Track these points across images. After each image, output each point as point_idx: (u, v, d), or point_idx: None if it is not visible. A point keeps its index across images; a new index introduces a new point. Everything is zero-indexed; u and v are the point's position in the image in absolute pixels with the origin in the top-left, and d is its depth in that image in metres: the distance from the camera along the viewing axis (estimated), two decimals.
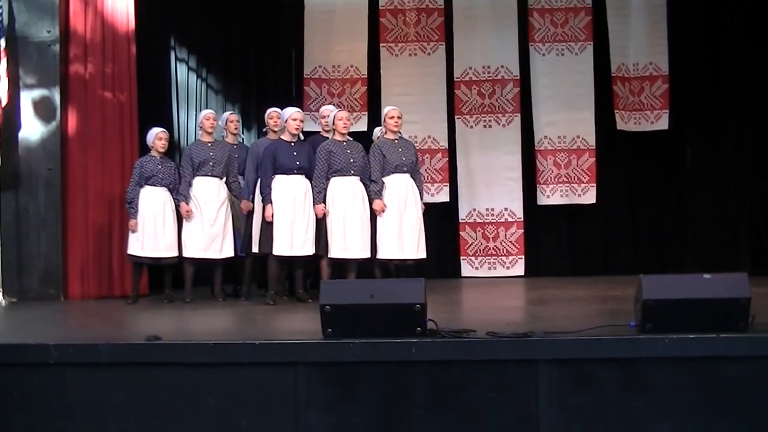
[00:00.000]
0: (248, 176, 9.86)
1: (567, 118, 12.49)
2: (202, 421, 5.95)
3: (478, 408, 5.82)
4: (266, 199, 9.26)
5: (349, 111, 11.58)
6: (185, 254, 9.74)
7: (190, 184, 9.75)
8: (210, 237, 9.70)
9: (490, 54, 12.62)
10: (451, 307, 8.83)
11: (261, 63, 12.96)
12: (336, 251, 9.27)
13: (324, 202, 9.28)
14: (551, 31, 12.61)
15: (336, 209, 9.29)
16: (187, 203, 9.70)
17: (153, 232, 9.66)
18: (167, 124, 11.64)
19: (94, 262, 10.46)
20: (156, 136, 9.89)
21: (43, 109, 10.40)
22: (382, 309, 5.97)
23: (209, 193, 9.75)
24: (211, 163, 9.78)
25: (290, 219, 9.19)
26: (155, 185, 9.76)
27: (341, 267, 9.49)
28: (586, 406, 5.78)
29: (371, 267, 9.50)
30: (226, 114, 10.48)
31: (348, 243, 9.27)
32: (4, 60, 10.10)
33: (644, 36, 12.48)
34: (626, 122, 12.46)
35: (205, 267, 9.95)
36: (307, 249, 9.24)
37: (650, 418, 5.78)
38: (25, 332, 7.83)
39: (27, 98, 10.40)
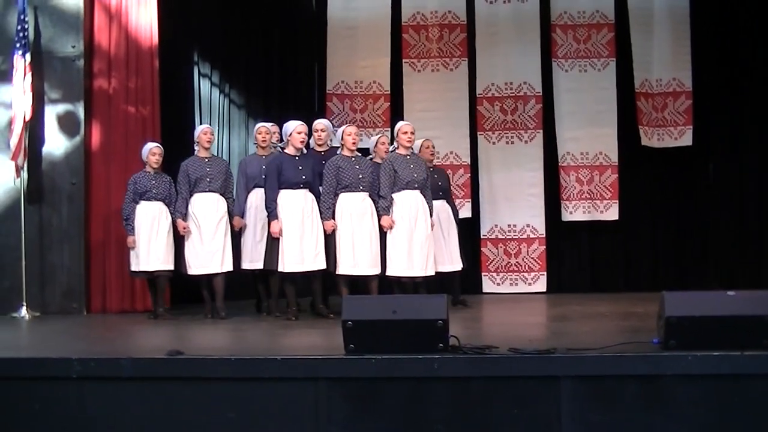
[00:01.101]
0: (239, 193, 9.86)
1: (589, 135, 12.46)
2: None
3: (500, 425, 5.80)
4: (272, 215, 9.18)
5: (371, 127, 11.63)
6: (189, 272, 9.65)
7: (186, 201, 9.67)
8: (210, 252, 9.60)
9: (513, 70, 12.61)
10: (473, 323, 8.82)
11: (283, 78, 12.98)
12: (345, 268, 9.18)
13: (333, 218, 9.22)
14: (574, 47, 12.59)
15: (344, 225, 9.21)
16: (184, 220, 9.62)
17: (147, 247, 9.61)
18: (190, 138, 11.66)
19: (116, 276, 10.47)
20: (150, 151, 9.81)
21: (67, 123, 10.47)
22: (405, 325, 5.96)
23: (207, 210, 9.64)
24: (208, 179, 9.67)
25: (299, 234, 9.10)
26: (150, 200, 9.70)
27: (357, 284, 9.43)
28: (608, 423, 5.75)
29: (388, 284, 9.44)
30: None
31: (357, 259, 9.18)
32: (29, 75, 10.16)
33: (668, 52, 12.45)
34: (650, 138, 12.42)
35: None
36: (319, 263, 9.16)
37: None
38: (47, 346, 7.87)
39: (51, 113, 10.47)
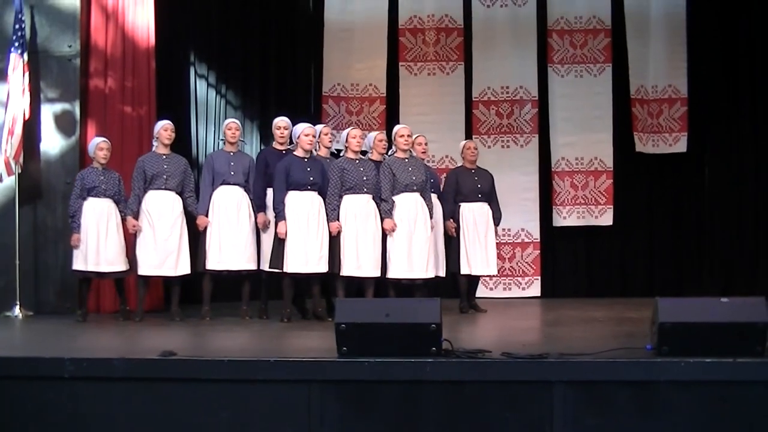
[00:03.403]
0: (204, 190, 9.57)
1: (585, 140, 12.52)
2: None
3: (492, 429, 5.79)
4: (280, 216, 9.15)
5: (367, 129, 11.62)
6: (139, 272, 9.43)
7: (139, 198, 9.43)
8: (165, 253, 9.38)
9: (509, 74, 12.65)
10: (466, 327, 8.81)
11: (280, 80, 12.98)
12: (349, 269, 9.18)
13: (338, 220, 9.22)
14: (570, 53, 12.65)
15: (349, 227, 9.21)
16: (135, 218, 9.41)
17: (95, 245, 9.36)
18: (186, 138, 11.66)
19: None
20: (97, 146, 9.58)
21: (63, 122, 10.46)
22: (398, 328, 5.95)
23: (162, 208, 9.43)
24: (165, 176, 9.43)
25: (304, 236, 9.09)
26: (98, 197, 9.44)
27: (355, 286, 9.43)
28: (601, 428, 5.74)
29: (385, 286, 9.45)
30: (320, 127, 9.93)
31: (361, 261, 9.20)
32: (26, 74, 10.15)
33: (663, 58, 12.50)
34: (645, 144, 12.47)
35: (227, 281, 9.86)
36: (322, 266, 9.15)
37: None
38: (40, 346, 7.86)
39: (48, 112, 10.47)
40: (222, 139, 9.86)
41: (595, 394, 5.77)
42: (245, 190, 9.59)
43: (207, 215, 9.48)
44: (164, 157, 9.57)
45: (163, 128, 9.61)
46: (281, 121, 9.75)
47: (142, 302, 9.65)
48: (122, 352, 6.48)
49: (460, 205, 10.10)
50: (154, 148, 9.67)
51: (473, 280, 10.41)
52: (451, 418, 5.82)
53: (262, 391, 5.93)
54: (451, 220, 10.05)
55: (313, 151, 9.45)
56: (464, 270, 10.03)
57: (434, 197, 9.97)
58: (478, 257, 10.04)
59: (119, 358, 6.13)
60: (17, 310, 10.05)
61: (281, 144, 9.71)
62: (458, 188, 10.13)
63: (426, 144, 10.33)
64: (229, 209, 9.47)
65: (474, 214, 10.06)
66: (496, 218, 10.26)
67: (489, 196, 10.25)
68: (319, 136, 9.56)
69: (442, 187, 10.28)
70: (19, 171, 10.15)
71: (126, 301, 9.84)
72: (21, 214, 10.25)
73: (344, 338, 5.98)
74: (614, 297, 12.10)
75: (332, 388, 5.89)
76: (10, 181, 10.22)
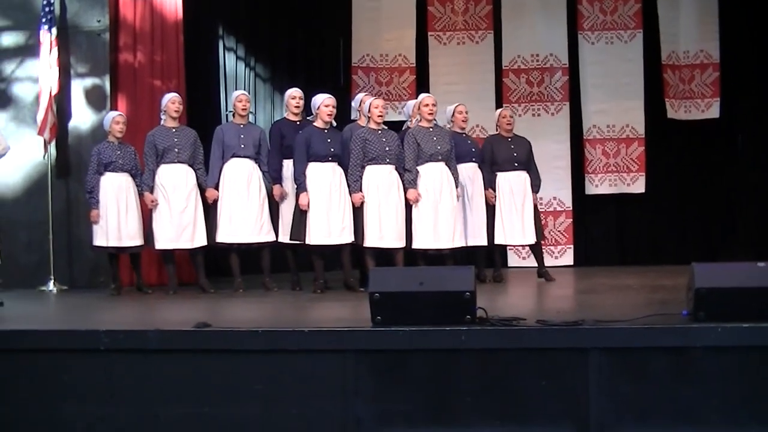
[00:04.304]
0: (213, 163, 9.53)
1: (616, 107, 12.44)
2: (251, 408, 5.94)
3: (527, 396, 5.78)
4: (301, 187, 9.10)
5: (397, 100, 11.60)
6: (157, 246, 9.47)
7: (153, 173, 9.44)
8: (180, 226, 9.40)
9: (539, 42, 12.58)
10: (499, 295, 8.80)
11: (309, 51, 12.98)
12: (372, 240, 9.13)
13: (360, 191, 9.16)
14: (600, 19, 12.55)
15: (371, 198, 9.14)
16: (151, 192, 9.43)
17: (116, 221, 9.39)
18: (216, 112, 11.67)
19: (143, 251, 10.46)
20: (113, 120, 9.55)
21: (93, 97, 10.52)
22: (432, 296, 5.94)
23: (176, 181, 9.44)
24: (176, 150, 9.42)
25: (326, 207, 9.05)
26: (116, 171, 9.44)
27: (384, 257, 9.37)
28: (636, 394, 5.72)
29: (413, 257, 9.41)
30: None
31: (384, 232, 9.13)
32: (54, 50, 10.19)
33: (695, 23, 12.38)
34: (676, 111, 12.37)
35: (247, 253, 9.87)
36: (345, 237, 9.11)
37: (702, 407, 5.69)
38: (76, 319, 7.91)
39: (78, 87, 10.53)
40: (231, 111, 9.79)
41: (631, 360, 5.74)
42: (256, 162, 9.57)
43: (217, 188, 9.47)
44: (174, 130, 9.56)
45: (171, 101, 9.60)
46: (296, 91, 9.74)
47: (174, 275, 9.68)
48: (157, 324, 6.49)
49: (496, 175, 10.03)
50: (162, 122, 9.65)
51: (536, 249, 10.30)
52: (486, 387, 5.81)
53: (296, 362, 5.94)
54: (490, 189, 9.99)
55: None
56: (499, 239, 9.99)
57: (475, 166, 9.93)
58: (516, 227, 9.98)
59: (154, 330, 6.15)
60: (52, 285, 10.15)
61: (295, 115, 9.68)
62: (493, 157, 10.06)
63: (467, 113, 10.18)
64: (240, 182, 9.45)
65: (510, 183, 9.99)
66: (535, 185, 10.16)
67: (527, 164, 10.16)
68: (369, 109, 9.31)
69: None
70: (50, 146, 10.22)
71: (141, 276, 9.87)
72: (54, 190, 10.32)
73: (378, 307, 5.97)
74: (647, 265, 12.03)
75: (367, 358, 5.89)
76: (44, 158, 10.28)
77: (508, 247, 11.98)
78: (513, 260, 12.37)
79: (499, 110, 10.54)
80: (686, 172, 12.73)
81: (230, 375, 5.98)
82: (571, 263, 12.39)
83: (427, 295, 5.94)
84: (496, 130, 10.31)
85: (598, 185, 12.48)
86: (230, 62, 12.24)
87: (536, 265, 10.26)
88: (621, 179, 12.46)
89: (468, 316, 5.93)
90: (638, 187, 12.46)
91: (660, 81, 12.37)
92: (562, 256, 12.42)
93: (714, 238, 12.60)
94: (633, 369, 5.73)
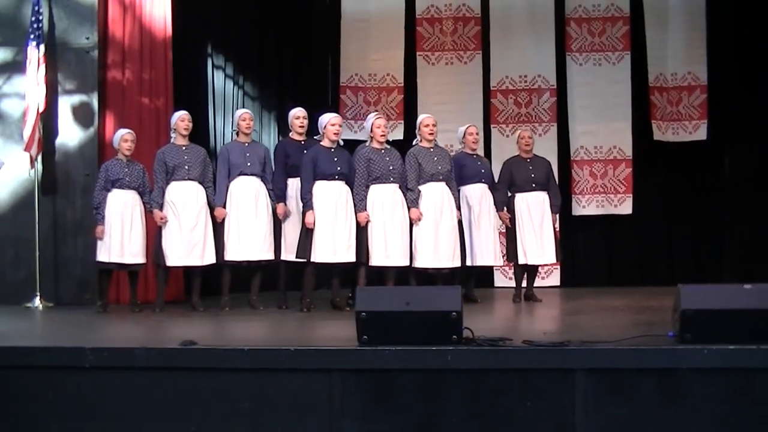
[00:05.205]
0: (220, 181, 9.55)
1: (604, 128, 12.48)
2: (237, 427, 5.93)
3: (514, 417, 5.78)
4: (307, 206, 9.10)
5: (385, 119, 11.60)
6: (167, 263, 9.44)
7: (163, 190, 9.45)
8: (190, 243, 9.37)
9: (527, 63, 12.62)
10: (486, 315, 8.80)
11: (297, 70, 12.99)
12: (377, 259, 9.18)
13: (365, 210, 9.20)
14: (588, 41, 12.60)
15: (376, 217, 9.20)
16: (160, 209, 9.43)
17: (119, 237, 9.37)
18: (204, 130, 11.66)
19: None
20: (121, 138, 9.56)
21: (81, 114, 10.50)
22: (418, 316, 5.94)
23: (186, 198, 9.44)
24: (186, 167, 9.43)
25: (332, 226, 9.06)
26: (123, 188, 9.44)
27: (378, 275, 9.41)
28: (623, 416, 5.72)
29: (406, 275, 9.44)
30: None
31: (389, 251, 9.19)
32: (42, 66, 10.17)
33: (683, 45, 12.43)
34: (664, 132, 12.41)
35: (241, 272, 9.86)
36: (350, 255, 9.13)
37: (688, 429, 5.70)
38: (61, 336, 7.88)
39: (65, 104, 10.50)
40: (235, 130, 9.84)
41: (617, 381, 5.74)
42: (262, 180, 9.60)
43: (224, 207, 9.48)
44: (183, 147, 9.57)
45: (180, 119, 9.61)
46: (300, 111, 9.74)
47: (162, 293, 9.65)
48: (143, 342, 6.48)
49: (514, 196, 10.05)
50: (172, 140, 9.66)
51: (531, 270, 10.34)
52: (473, 407, 5.80)
53: (282, 381, 5.93)
54: (505, 209, 10.02)
55: (339, 141, 9.41)
56: (521, 260, 10.02)
57: (485, 187, 9.98)
58: (535, 247, 9.99)
59: (140, 347, 6.13)
60: (37, 302, 10.11)
61: (300, 134, 9.68)
62: (512, 179, 10.07)
63: (477, 134, 10.28)
64: (247, 200, 9.48)
65: (528, 204, 10.00)
66: (554, 206, 10.17)
67: (545, 184, 10.17)
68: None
69: (497, 177, 10.22)
70: (37, 163, 10.20)
71: (136, 293, 9.81)
72: (40, 207, 10.29)
73: (365, 327, 5.97)
74: (634, 286, 12.04)
75: (353, 377, 5.88)
76: (30, 174, 10.26)
77: (494, 268, 12.01)
78: (500, 280, 12.36)
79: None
80: (673, 194, 12.76)
81: (217, 393, 5.96)
82: (558, 284, 12.38)
83: (414, 314, 5.94)
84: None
85: (586, 206, 12.50)
86: (219, 80, 12.24)
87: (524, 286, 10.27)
88: (608, 200, 12.49)
89: (455, 336, 5.93)
90: (625, 208, 12.49)
91: (647, 103, 12.40)
92: (549, 276, 12.40)
93: (701, 259, 12.61)
94: (619, 390, 5.73)
